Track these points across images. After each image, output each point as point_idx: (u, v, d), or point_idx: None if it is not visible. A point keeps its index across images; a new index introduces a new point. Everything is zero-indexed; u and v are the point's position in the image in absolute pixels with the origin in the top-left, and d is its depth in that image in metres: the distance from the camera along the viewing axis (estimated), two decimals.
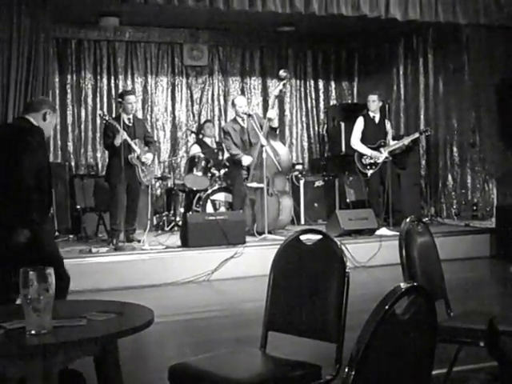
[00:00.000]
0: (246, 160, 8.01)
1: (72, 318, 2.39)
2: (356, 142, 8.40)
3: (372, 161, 8.25)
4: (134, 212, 7.67)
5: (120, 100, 7.65)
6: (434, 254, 3.25)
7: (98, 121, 9.73)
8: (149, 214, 8.23)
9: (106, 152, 8.31)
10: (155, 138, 10.26)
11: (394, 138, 8.62)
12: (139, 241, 7.51)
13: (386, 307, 1.52)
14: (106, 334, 2.32)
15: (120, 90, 10.01)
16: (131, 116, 7.67)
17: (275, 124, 8.12)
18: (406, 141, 8.43)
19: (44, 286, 2.19)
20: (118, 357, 2.50)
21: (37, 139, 4.03)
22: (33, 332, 2.19)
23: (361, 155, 8.32)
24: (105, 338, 2.34)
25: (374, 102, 8.38)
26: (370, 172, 8.24)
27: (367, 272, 6.82)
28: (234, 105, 8.38)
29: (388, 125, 8.50)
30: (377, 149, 8.29)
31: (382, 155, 8.22)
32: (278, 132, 8.49)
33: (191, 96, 10.54)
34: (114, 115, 8.19)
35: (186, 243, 7.12)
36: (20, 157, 3.91)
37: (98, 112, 9.18)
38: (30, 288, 2.18)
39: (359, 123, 8.45)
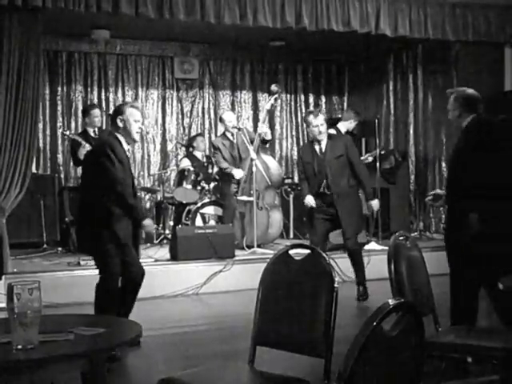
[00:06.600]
0: (238, 173, 8.02)
1: (59, 332, 2.37)
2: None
3: None
4: None
5: (85, 115, 7.86)
6: (422, 268, 3.26)
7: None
8: None
9: None
10: (145, 151, 10.27)
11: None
12: None
13: (374, 324, 1.52)
14: (93, 349, 2.31)
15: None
16: (96, 128, 7.80)
17: (268, 136, 8.09)
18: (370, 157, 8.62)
19: (31, 300, 2.18)
20: (105, 371, 2.49)
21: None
22: (19, 347, 2.17)
23: None
24: (92, 353, 2.32)
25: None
26: None
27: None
28: (222, 121, 8.41)
29: None
30: None
31: None
32: (268, 145, 8.49)
33: (181, 109, 10.54)
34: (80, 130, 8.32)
35: (175, 256, 7.10)
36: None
37: (60, 131, 9.31)
38: (17, 302, 2.16)
39: None
